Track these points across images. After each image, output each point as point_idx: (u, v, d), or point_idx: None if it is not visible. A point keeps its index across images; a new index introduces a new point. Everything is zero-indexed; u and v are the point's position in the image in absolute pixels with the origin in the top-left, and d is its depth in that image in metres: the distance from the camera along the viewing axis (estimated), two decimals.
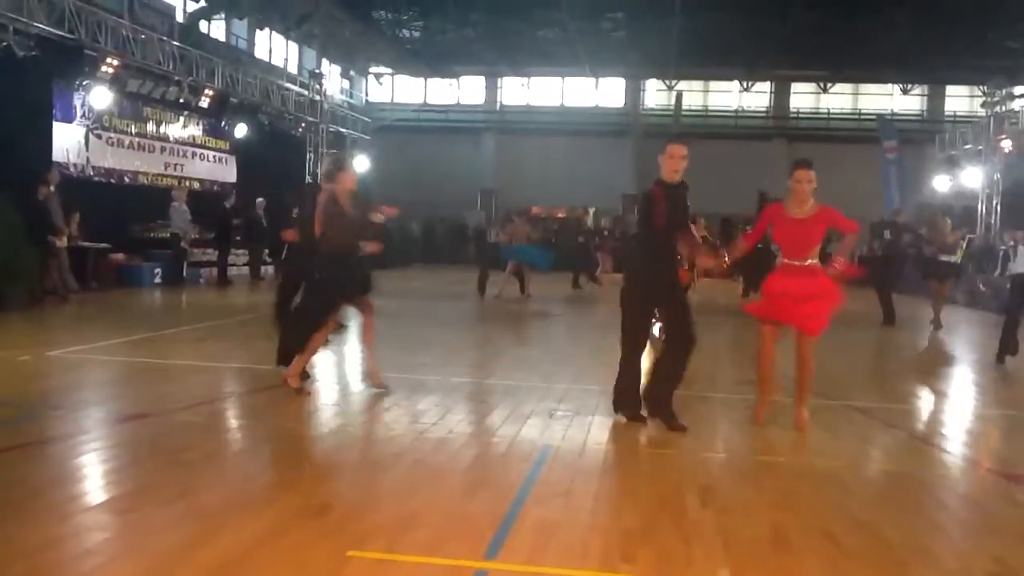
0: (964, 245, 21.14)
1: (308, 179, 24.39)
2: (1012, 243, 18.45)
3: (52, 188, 14.04)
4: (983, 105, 25.35)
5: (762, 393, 6.51)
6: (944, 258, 13.94)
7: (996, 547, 4.09)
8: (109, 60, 16.34)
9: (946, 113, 33.48)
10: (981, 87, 29.73)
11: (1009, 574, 3.76)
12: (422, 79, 35.18)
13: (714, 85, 34.84)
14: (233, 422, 6.58)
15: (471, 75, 34.94)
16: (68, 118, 16.55)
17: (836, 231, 6.53)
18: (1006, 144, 22.71)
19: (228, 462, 5.27)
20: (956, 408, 8.35)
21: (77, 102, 16.67)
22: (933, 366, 11.15)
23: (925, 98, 34.28)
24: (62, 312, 12.92)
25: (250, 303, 15.88)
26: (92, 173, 17.23)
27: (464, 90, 35.48)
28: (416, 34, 31.40)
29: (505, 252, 17.32)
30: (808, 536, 4.09)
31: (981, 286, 19.09)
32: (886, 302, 14.32)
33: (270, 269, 21.72)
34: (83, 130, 16.92)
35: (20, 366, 8.06)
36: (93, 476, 4.81)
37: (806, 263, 6.16)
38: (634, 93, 34.49)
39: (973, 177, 24.58)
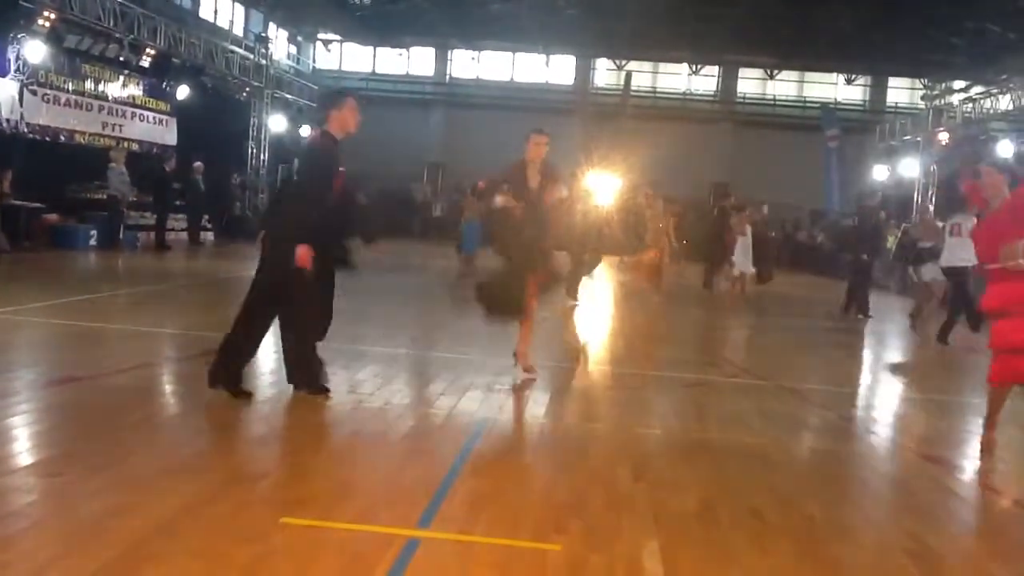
0: (898, 234, 21.66)
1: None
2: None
3: None
4: (923, 98, 26.00)
5: None
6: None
7: (915, 526, 4.23)
8: (46, 13, 15.80)
9: (887, 104, 34.16)
10: (922, 80, 30.47)
11: (926, 552, 3.90)
12: (371, 48, 34.74)
13: (663, 67, 35.00)
14: (166, 387, 6.49)
15: (421, 46, 34.58)
16: (1, 72, 16.00)
17: None
18: (943, 136, 23.31)
19: (160, 428, 5.20)
20: (886, 392, 8.61)
21: (11, 55, 16.10)
22: (868, 351, 11.47)
23: (868, 89, 34.91)
24: None
25: (187, 269, 15.63)
26: (26, 130, 16.71)
27: (413, 61, 35.13)
28: (366, 1, 30.97)
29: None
30: (735, 511, 4.19)
31: (913, 275, 19.56)
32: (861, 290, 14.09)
33: (209, 235, 21.44)
34: (17, 85, 16.38)
35: None
36: (20, 438, 4.71)
37: None
38: (584, 72, 34.52)
39: (910, 167, 25.17)
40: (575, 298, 12.96)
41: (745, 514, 4.17)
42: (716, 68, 34.63)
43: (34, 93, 16.85)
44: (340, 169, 5.77)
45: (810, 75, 34.77)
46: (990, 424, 5.67)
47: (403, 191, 31.59)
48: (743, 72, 34.86)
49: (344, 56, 35.46)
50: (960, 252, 10.68)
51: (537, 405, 6.18)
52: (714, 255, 17.55)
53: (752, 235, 15.78)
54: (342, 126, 5.84)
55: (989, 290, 5.61)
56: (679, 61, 34.24)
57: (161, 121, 21.26)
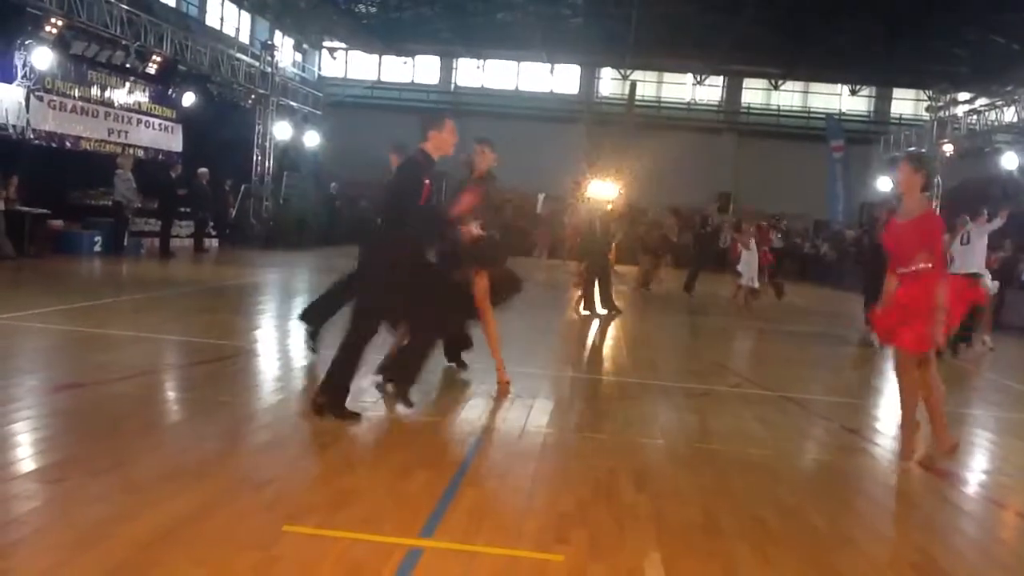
0: None
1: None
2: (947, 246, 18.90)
3: None
4: (928, 109, 25.91)
5: None
6: None
7: (920, 538, 4.22)
8: (53, 20, 15.88)
9: (892, 115, 34.18)
10: (926, 92, 30.42)
11: (930, 565, 3.88)
12: (376, 56, 34.84)
13: (668, 77, 35.07)
14: (169, 394, 6.48)
15: (426, 55, 34.68)
16: (8, 78, 16.05)
17: None
18: (948, 148, 23.28)
19: (163, 434, 5.19)
20: (890, 403, 8.56)
21: (18, 62, 16.15)
22: (872, 362, 11.43)
23: (872, 100, 34.94)
24: None
25: (191, 275, 15.65)
26: (32, 136, 16.75)
27: (418, 69, 35.21)
28: (372, 9, 31.09)
29: None
30: (739, 522, 4.18)
31: None
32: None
33: (214, 242, 21.46)
34: (24, 91, 16.42)
35: None
36: (23, 444, 4.70)
37: None
38: (588, 81, 34.58)
39: None
40: (610, 308, 13.05)
41: (749, 525, 4.16)
42: (721, 78, 34.70)
43: (40, 99, 16.90)
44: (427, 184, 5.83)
45: (815, 86, 34.83)
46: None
47: None
48: (747, 82, 34.91)
49: (349, 64, 35.57)
50: (970, 259, 10.68)
51: (540, 414, 6.17)
52: (697, 263, 18.12)
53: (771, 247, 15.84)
54: (439, 147, 5.90)
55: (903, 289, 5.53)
56: (684, 71, 34.32)
57: (167, 128, 21.32)
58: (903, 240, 5.53)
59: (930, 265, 5.42)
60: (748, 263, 15.61)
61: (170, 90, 20.93)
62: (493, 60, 34.36)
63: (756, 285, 15.55)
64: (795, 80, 34.35)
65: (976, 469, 5.75)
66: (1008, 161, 21.72)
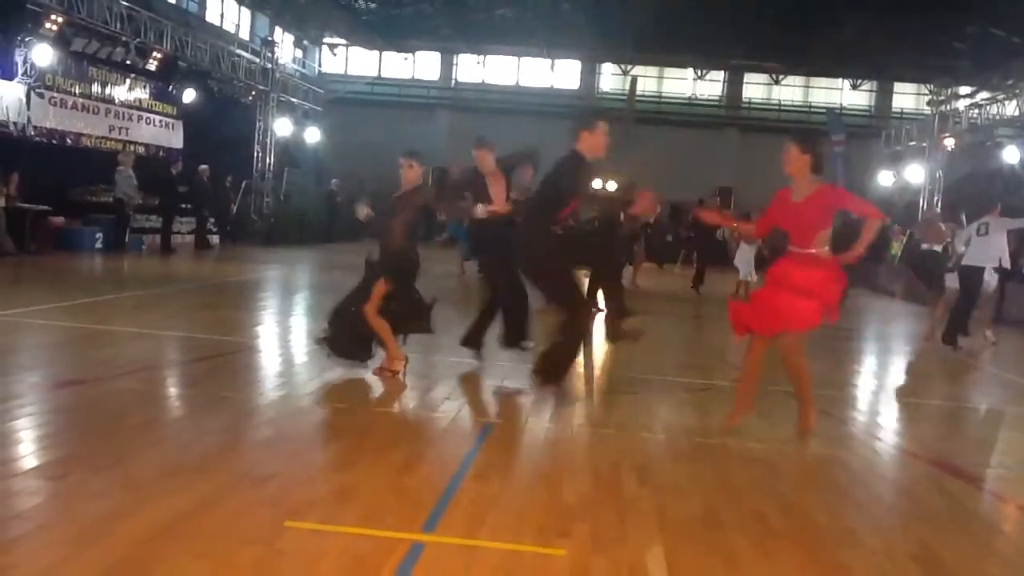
0: (904, 240, 21.61)
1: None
2: (950, 239, 18.88)
3: None
4: (929, 103, 25.90)
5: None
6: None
7: (921, 532, 4.22)
8: (53, 17, 15.88)
9: (893, 110, 34.13)
10: (927, 86, 30.39)
11: (932, 558, 3.88)
12: (376, 52, 34.80)
13: (669, 72, 35.01)
14: (171, 390, 6.49)
15: (426, 50, 34.63)
16: (8, 75, 16.05)
17: None
18: (949, 142, 23.28)
19: (164, 430, 5.20)
20: (889, 396, 8.57)
21: (19, 59, 16.16)
22: (871, 356, 11.43)
23: (873, 94, 34.89)
24: None
25: (192, 272, 15.66)
26: (33, 133, 16.77)
27: (419, 65, 35.18)
28: (372, 5, 31.00)
29: (455, 230, 17.37)
30: (740, 516, 4.18)
31: (917, 280, 19.52)
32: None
33: (215, 238, 21.47)
34: (24, 88, 16.43)
35: None
36: (25, 441, 4.71)
37: None
38: (589, 76, 34.54)
39: (916, 173, 25.12)
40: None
41: (750, 519, 4.16)
42: (722, 73, 34.64)
43: (41, 96, 16.90)
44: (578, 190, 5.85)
45: (815, 80, 34.75)
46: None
47: None
48: (748, 77, 34.84)
49: (350, 60, 35.54)
50: (983, 251, 10.64)
51: (541, 409, 6.18)
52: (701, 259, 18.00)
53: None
54: (592, 148, 5.86)
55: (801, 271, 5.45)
56: (684, 66, 34.25)
57: (167, 124, 21.32)
58: (801, 220, 5.46)
59: (826, 249, 5.41)
60: (745, 258, 15.52)
61: (171, 87, 20.93)
62: (493, 56, 34.32)
63: (753, 279, 15.46)
64: (796, 75, 34.27)
65: (977, 463, 5.74)
66: (1010, 155, 21.67)
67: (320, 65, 34.94)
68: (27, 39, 15.97)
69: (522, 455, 5.03)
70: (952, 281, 11.34)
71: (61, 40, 16.51)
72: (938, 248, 12.64)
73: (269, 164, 25.44)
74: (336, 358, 6.67)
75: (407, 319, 6.75)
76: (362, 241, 6.82)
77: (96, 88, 18.58)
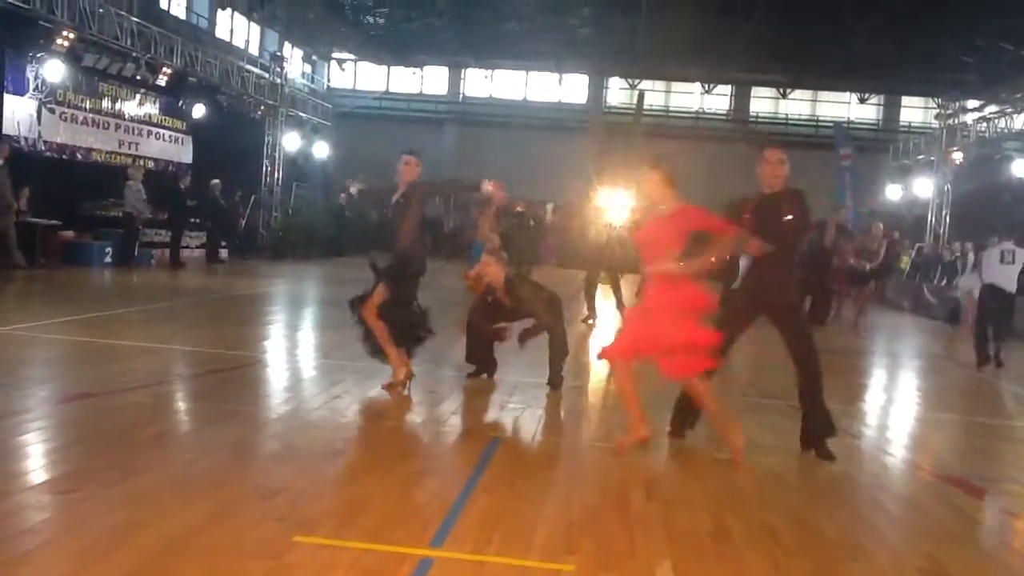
0: (912, 253, 21.57)
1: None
2: (959, 254, 18.86)
3: (1, 162, 13.75)
4: (936, 117, 25.90)
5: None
6: (865, 264, 14.16)
7: (929, 546, 4.20)
8: (65, 33, 16.01)
9: (900, 123, 34.11)
10: (935, 99, 30.41)
11: (941, 572, 3.87)
12: (385, 67, 34.97)
13: (676, 86, 35.09)
14: (180, 404, 6.51)
15: (435, 65, 34.80)
16: (20, 91, 16.17)
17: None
18: (957, 156, 23.25)
19: (173, 444, 5.21)
20: (896, 410, 8.54)
21: (30, 74, 16.29)
22: (876, 369, 11.39)
23: (881, 108, 34.89)
24: (7, 289, 12.65)
25: (201, 286, 15.70)
26: (44, 148, 16.87)
27: (427, 80, 35.34)
28: (380, 21, 31.22)
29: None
30: (749, 530, 4.17)
31: (927, 294, 19.51)
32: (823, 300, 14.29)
33: (225, 252, 21.54)
34: (35, 103, 16.55)
35: None
36: (35, 455, 4.73)
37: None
38: (597, 91, 34.63)
39: (924, 187, 25.10)
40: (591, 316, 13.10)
41: (759, 532, 4.15)
42: (729, 87, 34.69)
43: (52, 111, 17.01)
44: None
45: (823, 94, 34.78)
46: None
47: None
48: (756, 91, 34.89)
49: (358, 75, 35.72)
50: (1012, 277, 10.68)
51: (549, 423, 6.17)
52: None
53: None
54: (763, 182, 6.07)
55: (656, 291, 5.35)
56: (692, 80, 34.32)
57: (177, 139, 21.42)
58: (655, 237, 5.38)
59: (681, 265, 5.25)
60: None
61: (180, 102, 21.05)
62: (501, 70, 34.46)
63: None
64: (803, 89, 34.31)
65: (987, 477, 5.71)
66: (1018, 168, 21.66)
67: (329, 80, 35.13)
68: (39, 55, 16.11)
69: (530, 470, 5.03)
70: (968, 285, 11.48)
71: (72, 56, 16.64)
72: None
73: (278, 179, 25.54)
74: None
75: (407, 330, 6.74)
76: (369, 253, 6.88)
77: (106, 103, 18.70)
